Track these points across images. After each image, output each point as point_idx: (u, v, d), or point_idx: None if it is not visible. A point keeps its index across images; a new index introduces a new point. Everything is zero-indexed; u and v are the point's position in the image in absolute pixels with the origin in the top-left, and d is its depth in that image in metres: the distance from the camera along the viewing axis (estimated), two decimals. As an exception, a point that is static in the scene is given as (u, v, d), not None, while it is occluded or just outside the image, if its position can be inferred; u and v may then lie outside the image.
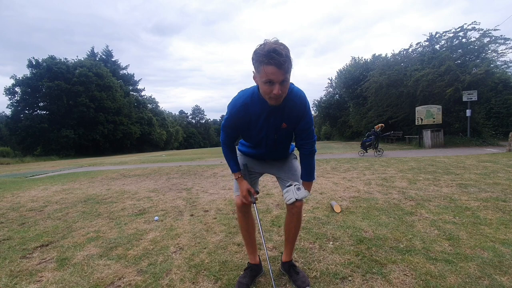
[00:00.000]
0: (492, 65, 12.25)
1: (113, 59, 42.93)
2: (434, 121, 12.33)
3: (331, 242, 2.11)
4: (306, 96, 1.41)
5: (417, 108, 12.91)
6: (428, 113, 12.48)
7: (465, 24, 12.78)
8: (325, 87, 37.49)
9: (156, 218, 2.95)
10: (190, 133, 64.86)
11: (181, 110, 77.19)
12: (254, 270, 1.67)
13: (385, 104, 16.89)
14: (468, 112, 11.76)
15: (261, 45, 1.20)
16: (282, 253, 1.79)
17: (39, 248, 2.32)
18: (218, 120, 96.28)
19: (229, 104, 1.45)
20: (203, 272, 1.76)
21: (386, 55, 23.04)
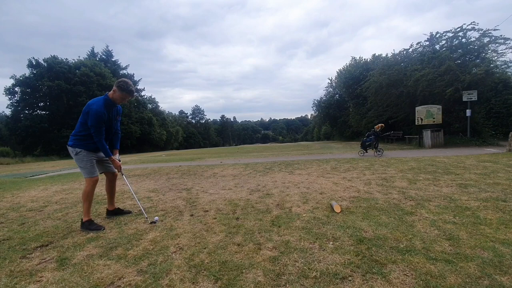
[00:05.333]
0: (492, 65, 12.23)
1: (113, 59, 42.89)
2: (434, 121, 12.33)
3: (331, 242, 2.11)
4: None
5: (417, 108, 12.91)
6: (428, 113, 12.48)
7: (465, 24, 12.77)
8: (325, 87, 37.54)
9: (156, 218, 2.95)
10: (190, 133, 64.75)
11: (181, 110, 77.15)
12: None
13: (385, 104, 16.89)
14: (468, 112, 11.75)
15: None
16: (282, 253, 1.78)
17: (39, 248, 2.32)
18: (218, 120, 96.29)
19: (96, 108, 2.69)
20: (203, 272, 1.76)
21: (386, 55, 23.04)
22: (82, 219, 2.77)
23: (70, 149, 2.83)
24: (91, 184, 2.78)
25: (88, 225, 2.71)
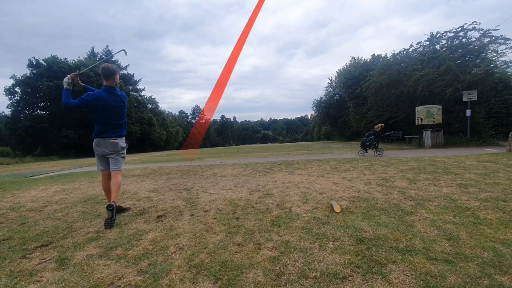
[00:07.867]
0: (492, 65, 12.24)
1: (113, 59, 42.86)
2: (434, 121, 12.33)
3: (331, 242, 2.11)
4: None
5: (417, 108, 12.91)
6: (428, 113, 12.49)
7: (466, 24, 12.78)
8: (325, 87, 37.59)
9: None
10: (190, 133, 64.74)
11: (181, 110, 77.34)
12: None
13: (385, 104, 16.89)
14: (468, 112, 11.75)
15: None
16: (282, 253, 1.79)
17: (39, 248, 2.31)
18: (218, 120, 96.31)
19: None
20: (203, 272, 1.76)
21: (386, 55, 23.05)
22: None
23: (124, 139, 3.22)
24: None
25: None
